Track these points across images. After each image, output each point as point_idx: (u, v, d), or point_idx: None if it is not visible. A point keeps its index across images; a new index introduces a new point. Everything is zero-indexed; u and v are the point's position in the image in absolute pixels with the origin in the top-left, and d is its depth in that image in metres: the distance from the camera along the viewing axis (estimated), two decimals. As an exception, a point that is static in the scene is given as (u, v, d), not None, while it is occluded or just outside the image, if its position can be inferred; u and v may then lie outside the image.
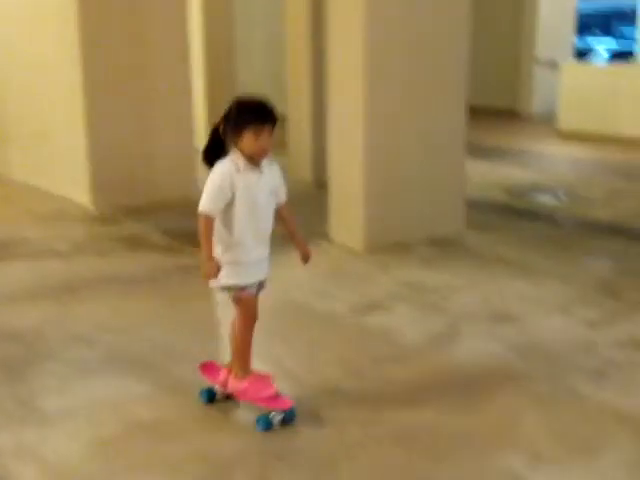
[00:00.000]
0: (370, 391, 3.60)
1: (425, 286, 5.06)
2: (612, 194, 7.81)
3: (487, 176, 8.49)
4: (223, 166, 3.13)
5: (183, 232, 6.40)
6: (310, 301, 4.81)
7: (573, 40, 14.00)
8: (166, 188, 7.34)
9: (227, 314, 4.65)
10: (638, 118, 10.76)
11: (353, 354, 4.05)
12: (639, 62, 13.98)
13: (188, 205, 7.11)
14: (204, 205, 3.10)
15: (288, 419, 3.24)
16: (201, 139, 8.80)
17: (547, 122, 12.09)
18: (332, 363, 3.92)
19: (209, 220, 3.09)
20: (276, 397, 3.27)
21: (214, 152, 3.18)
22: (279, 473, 2.99)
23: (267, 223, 3.23)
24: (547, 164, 9.59)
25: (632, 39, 16.14)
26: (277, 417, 3.22)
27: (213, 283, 3.18)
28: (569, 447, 3.12)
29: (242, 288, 3.22)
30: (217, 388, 3.44)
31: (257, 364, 3.91)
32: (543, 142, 11.10)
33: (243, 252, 3.17)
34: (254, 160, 3.13)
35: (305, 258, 3.39)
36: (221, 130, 3.16)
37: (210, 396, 3.45)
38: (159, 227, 6.51)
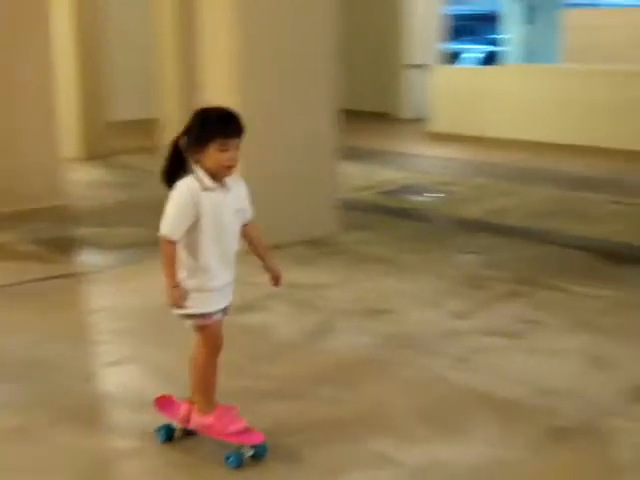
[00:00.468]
0: (247, 388, 3.75)
1: (301, 285, 5.24)
2: (479, 192, 8.29)
3: (363, 178, 8.81)
4: (186, 184, 2.91)
5: (53, 240, 6.38)
6: (186, 304, 4.90)
7: (443, 44, 14.65)
8: (34, 197, 7.26)
9: (101, 322, 4.72)
10: (505, 119, 11.40)
11: (231, 353, 4.10)
12: (506, 65, 14.77)
13: (57, 213, 7.18)
14: (166, 228, 2.90)
15: (260, 454, 3.06)
16: (70, 148, 8.78)
17: (420, 125, 12.61)
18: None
19: (172, 244, 2.90)
20: (246, 431, 3.06)
21: (174, 169, 2.96)
22: (153, 470, 3.10)
23: (233, 245, 3.04)
24: (420, 165, 10.03)
25: (500, 44, 17.03)
26: (248, 453, 3.03)
27: (176, 311, 2.99)
28: (436, 428, 3.37)
29: (207, 316, 3.03)
30: (176, 424, 3.19)
31: (135, 370, 4.02)
32: (416, 144, 11.59)
33: (209, 278, 2.98)
34: (219, 177, 2.94)
35: (276, 280, 3.21)
36: (181, 144, 2.94)
37: (169, 434, 3.19)
38: (28, 236, 6.44)
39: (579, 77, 11.13)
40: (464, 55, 18.26)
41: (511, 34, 15.99)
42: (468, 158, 10.37)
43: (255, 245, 3.18)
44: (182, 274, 2.94)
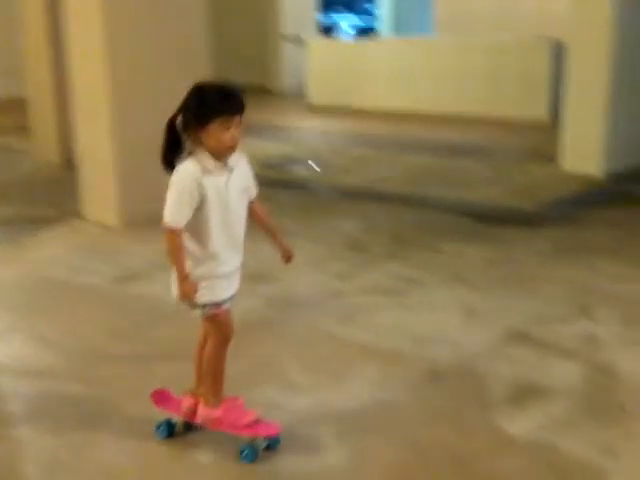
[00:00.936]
0: (137, 351, 3.93)
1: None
2: (359, 162, 8.64)
3: (243, 151, 8.96)
4: (186, 168, 2.77)
5: None
6: (69, 276, 5.00)
7: (317, 16, 14.92)
8: None
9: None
10: (381, 91, 11.81)
11: (117, 321, 4.33)
12: (381, 37, 15.21)
13: None
14: (170, 217, 2.75)
15: (273, 445, 3.02)
16: None
17: (298, 97, 12.86)
18: (97, 331, 4.19)
19: (177, 234, 2.76)
20: (258, 423, 3.01)
21: (172, 151, 2.82)
22: (48, 430, 3.22)
23: (241, 226, 2.92)
24: (299, 137, 10.29)
25: (374, 15, 17.47)
26: (262, 444, 2.98)
27: (187, 302, 2.86)
28: (320, 377, 3.64)
29: (218, 304, 2.93)
30: (177, 419, 3.12)
31: (16, 340, 4.10)
32: (294, 117, 11.84)
33: (218, 264, 2.87)
34: (221, 157, 2.80)
35: (287, 257, 3.11)
36: (178, 124, 2.80)
37: (170, 429, 3.11)
38: None
39: (452, 48, 11.66)
40: (341, 27, 18.63)
41: (383, 7, 16.44)
42: (347, 129, 10.70)
43: (264, 223, 3.06)
44: (188, 263, 2.82)
